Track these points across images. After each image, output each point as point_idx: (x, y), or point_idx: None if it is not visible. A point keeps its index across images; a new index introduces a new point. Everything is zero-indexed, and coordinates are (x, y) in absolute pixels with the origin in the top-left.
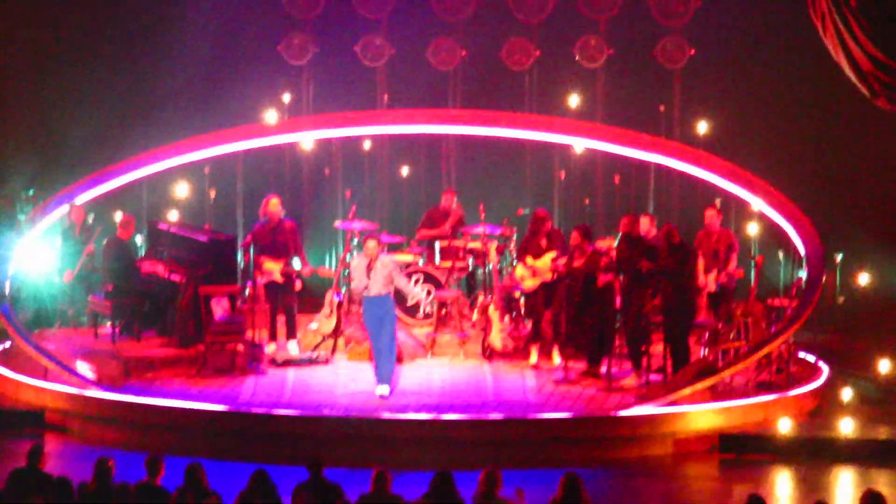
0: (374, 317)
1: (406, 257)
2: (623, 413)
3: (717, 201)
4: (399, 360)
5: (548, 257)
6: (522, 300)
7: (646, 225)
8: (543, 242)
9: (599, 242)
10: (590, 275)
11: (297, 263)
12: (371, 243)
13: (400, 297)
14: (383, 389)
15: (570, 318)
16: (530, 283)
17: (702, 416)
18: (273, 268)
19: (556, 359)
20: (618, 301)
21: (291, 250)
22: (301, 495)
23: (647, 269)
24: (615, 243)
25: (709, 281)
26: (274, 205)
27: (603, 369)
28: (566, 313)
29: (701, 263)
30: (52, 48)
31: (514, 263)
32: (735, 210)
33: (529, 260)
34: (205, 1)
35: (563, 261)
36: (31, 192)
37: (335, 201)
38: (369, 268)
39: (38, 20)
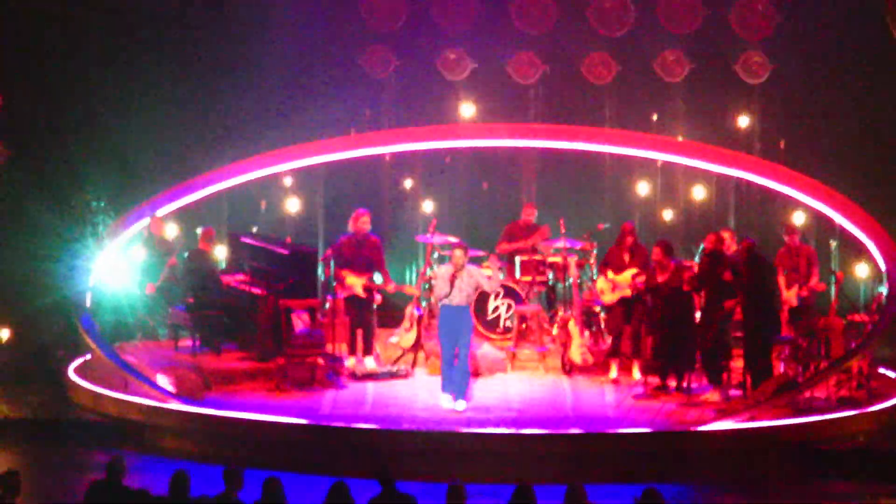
0: (451, 327)
1: (486, 272)
2: (703, 428)
3: (793, 218)
4: (475, 374)
5: (629, 273)
6: (602, 315)
7: (726, 240)
8: (626, 257)
9: (684, 262)
10: (672, 291)
11: (378, 279)
12: (458, 252)
13: (480, 310)
14: (460, 405)
15: (652, 333)
16: (609, 298)
17: (782, 430)
18: (355, 282)
19: (637, 374)
20: (697, 317)
21: (374, 265)
22: None
23: (728, 280)
24: (696, 258)
25: (790, 296)
26: (364, 221)
27: (675, 384)
28: (647, 329)
29: (782, 279)
30: (139, 64)
31: (595, 278)
32: (815, 225)
33: (610, 274)
34: (286, 16)
35: (642, 278)
36: (101, 204)
37: (415, 215)
38: (454, 277)
39: (123, 35)
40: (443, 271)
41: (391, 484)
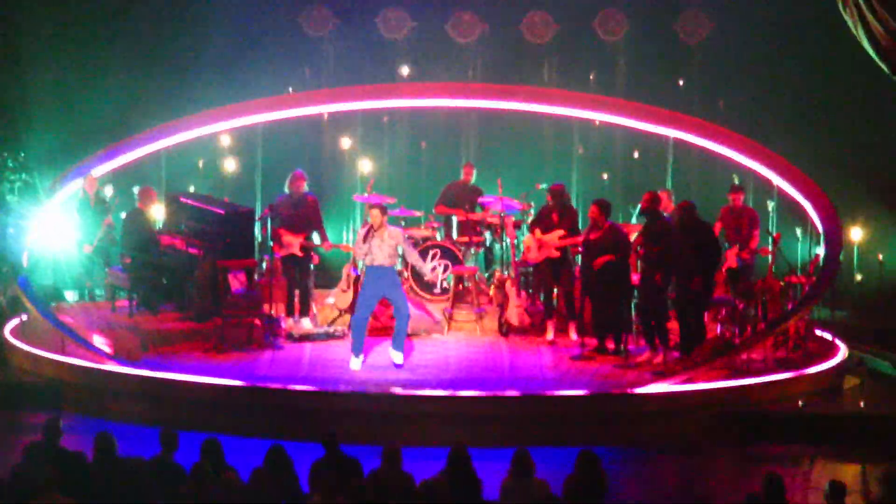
0: (373, 288)
1: (423, 232)
2: (640, 390)
3: (735, 178)
4: (412, 334)
5: (556, 234)
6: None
7: (663, 199)
8: (555, 217)
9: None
10: (604, 250)
11: (316, 238)
12: (375, 211)
13: (417, 273)
14: (398, 357)
15: (585, 294)
16: (535, 255)
17: (718, 393)
18: (293, 241)
19: (573, 335)
20: (634, 278)
21: (312, 225)
22: (319, 472)
23: (660, 254)
24: (633, 220)
25: (730, 256)
26: (300, 183)
27: (613, 345)
28: (581, 289)
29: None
30: (76, 21)
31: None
32: (753, 186)
33: (538, 233)
34: None
35: (580, 239)
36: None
37: (354, 175)
38: (368, 235)
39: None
40: (361, 231)
41: (336, 447)
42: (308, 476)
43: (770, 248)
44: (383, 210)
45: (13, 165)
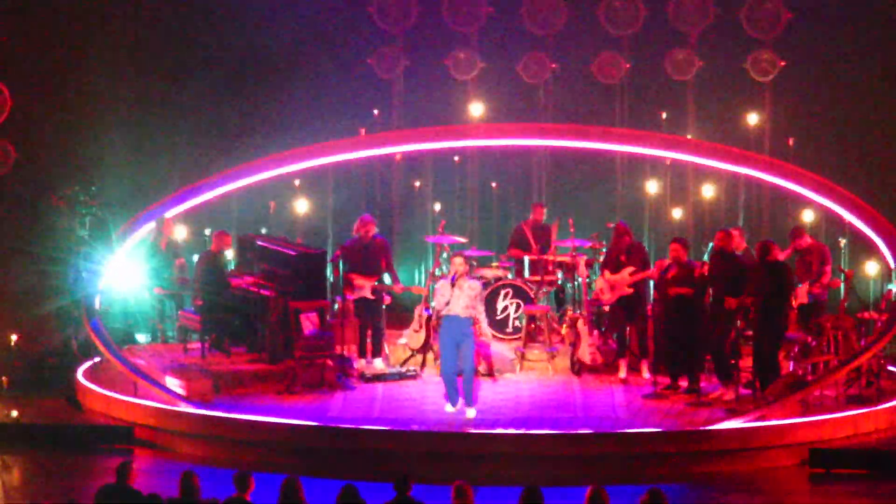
0: (450, 337)
1: (495, 271)
2: (712, 427)
3: (802, 217)
4: (489, 374)
5: (626, 271)
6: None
7: (735, 238)
8: (623, 257)
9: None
10: (679, 283)
11: (387, 280)
12: (458, 259)
13: (490, 310)
14: (471, 412)
15: (661, 332)
16: (608, 297)
17: (792, 430)
18: (364, 285)
19: (646, 373)
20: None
21: (382, 267)
22: None
23: (743, 301)
24: (705, 257)
25: (801, 293)
26: (369, 227)
27: (686, 383)
28: (655, 327)
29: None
30: (149, 65)
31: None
32: (826, 223)
33: (608, 274)
34: (299, 17)
35: (652, 271)
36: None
37: (425, 215)
38: (453, 286)
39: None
40: (443, 281)
41: (406, 490)
42: None
43: (842, 282)
44: (466, 258)
45: (83, 199)
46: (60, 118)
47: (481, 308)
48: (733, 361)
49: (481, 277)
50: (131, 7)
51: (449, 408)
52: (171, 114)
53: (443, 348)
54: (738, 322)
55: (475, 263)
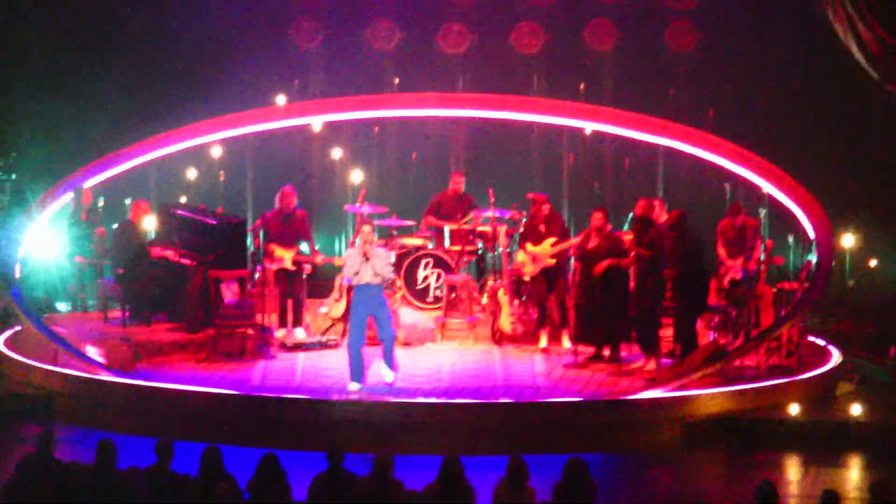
0: (363, 306)
1: (415, 241)
2: (632, 397)
3: (727, 187)
4: (404, 343)
5: (547, 243)
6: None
7: (656, 208)
8: (542, 228)
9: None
10: (603, 257)
11: (305, 248)
12: (366, 228)
13: (410, 280)
14: (389, 375)
15: (581, 301)
16: (531, 269)
17: (712, 400)
18: (284, 255)
19: (566, 343)
20: (630, 285)
21: (302, 238)
22: (320, 486)
23: (652, 261)
24: (625, 227)
25: (734, 268)
26: (290, 198)
27: (608, 353)
28: (577, 296)
29: (723, 250)
30: (67, 36)
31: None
32: (744, 194)
33: (529, 246)
34: None
35: (574, 240)
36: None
37: (345, 185)
38: (364, 253)
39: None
40: (352, 251)
41: (339, 461)
42: (308, 490)
43: (763, 255)
44: (373, 226)
45: (2, 165)
46: None
47: (387, 269)
48: (655, 332)
49: (402, 247)
50: None
51: (352, 386)
52: (89, 83)
53: (352, 320)
54: (663, 293)
55: (395, 233)
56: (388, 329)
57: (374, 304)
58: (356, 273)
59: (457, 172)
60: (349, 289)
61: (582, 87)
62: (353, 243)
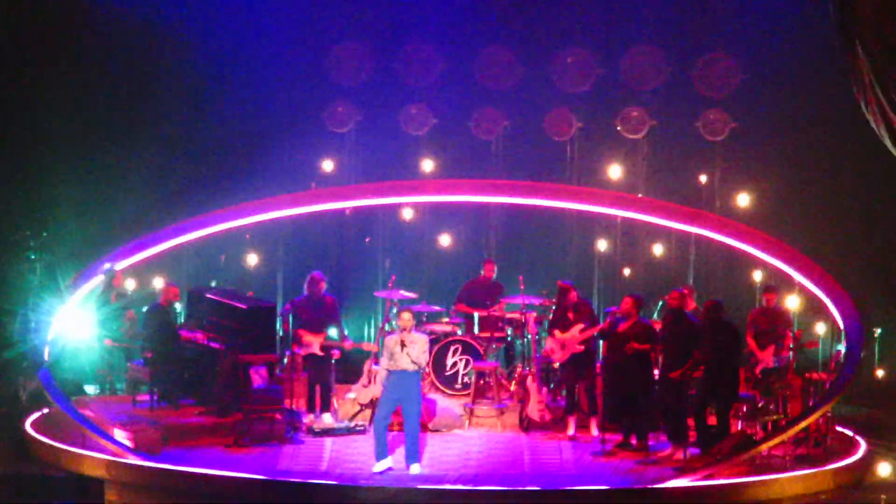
0: (394, 391)
1: (444, 327)
2: (660, 486)
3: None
4: (432, 430)
5: (576, 329)
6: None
7: (687, 297)
8: (571, 315)
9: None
10: (631, 343)
11: (334, 334)
12: (406, 315)
13: (438, 366)
14: (414, 468)
15: (609, 387)
16: (560, 356)
17: (739, 488)
18: (313, 341)
19: (594, 430)
20: (656, 373)
21: (331, 324)
22: None
23: (697, 358)
24: (655, 316)
25: (766, 357)
26: (319, 285)
27: (635, 441)
28: (605, 384)
29: (751, 341)
30: (100, 118)
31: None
32: (776, 284)
33: (558, 333)
34: (249, 71)
35: (602, 325)
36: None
37: (375, 270)
38: (402, 340)
39: (86, 95)
40: (391, 337)
41: None
42: None
43: (792, 344)
44: (413, 313)
45: (34, 244)
46: (10, 162)
47: (423, 356)
48: (683, 420)
49: (431, 333)
50: (84, 55)
51: (377, 466)
52: (123, 164)
53: (382, 399)
54: (688, 381)
55: (424, 319)
56: (414, 423)
57: (406, 391)
58: (393, 358)
59: (488, 261)
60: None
61: (614, 174)
62: (382, 328)
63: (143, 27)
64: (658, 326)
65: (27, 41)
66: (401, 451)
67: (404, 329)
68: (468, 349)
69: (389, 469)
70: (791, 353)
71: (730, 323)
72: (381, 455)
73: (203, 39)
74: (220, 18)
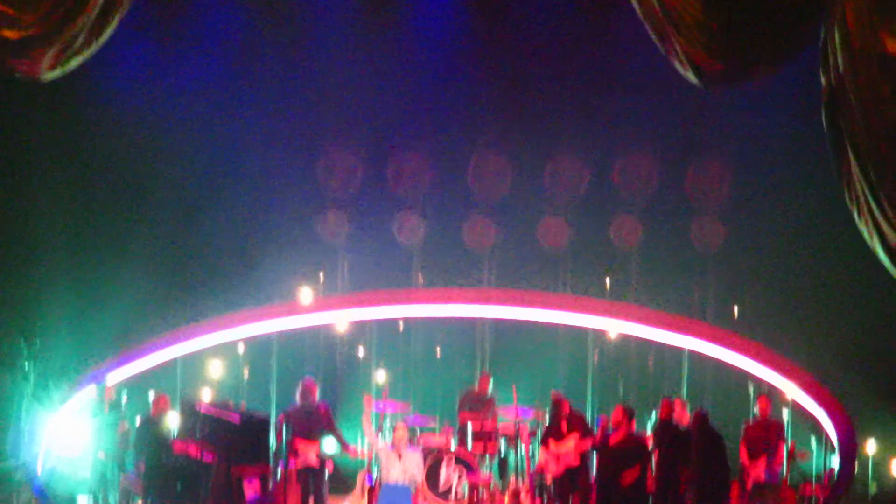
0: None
1: (439, 440)
2: None
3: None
4: None
5: (570, 442)
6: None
7: (678, 409)
8: (564, 426)
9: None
10: (622, 453)
11: (331, 445)
12: (400, 428)
13: (432, 478)
14: None
15: (602, 499)
16: (554, 468)
17: None
18: (308, 450)
19: None
20: (649, 484)
21: (326, 433)
22: None
23: (685, 477)
24: (647, 427)
25: (758, 469)
26: (311, 393)
27: None
28: (597, 496)
29: (744, 452)
30: (90, 229)
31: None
32: (768, 395)
33: (552, 445)
34: (239, 175)
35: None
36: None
37: (368, 382)
38: (399, 454)
39: (76, 199)
40: (385, 448)
41: None
42: None
43: (786, 457)
44: (406, 427)
45: (26, 353)
46: (3, 272)
47: (418, 472)
48: None
49: (425, 446)
50: (77, 167)
51: None
52: (115, 274)
53: None
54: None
55: (417, 431)
56: None
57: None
58: (386, 470)
59: (484, 376)
60: (371, 489)
61: (607, 283)
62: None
63: (136, 137)
64: (649, 438)
65: (21, 154)
66: None
67: (400, 441)
68: (461, 461)
69: None
70: (784, 466)
71: (716, 432)
72: None
73: (195, 149)
74: (213, 128)
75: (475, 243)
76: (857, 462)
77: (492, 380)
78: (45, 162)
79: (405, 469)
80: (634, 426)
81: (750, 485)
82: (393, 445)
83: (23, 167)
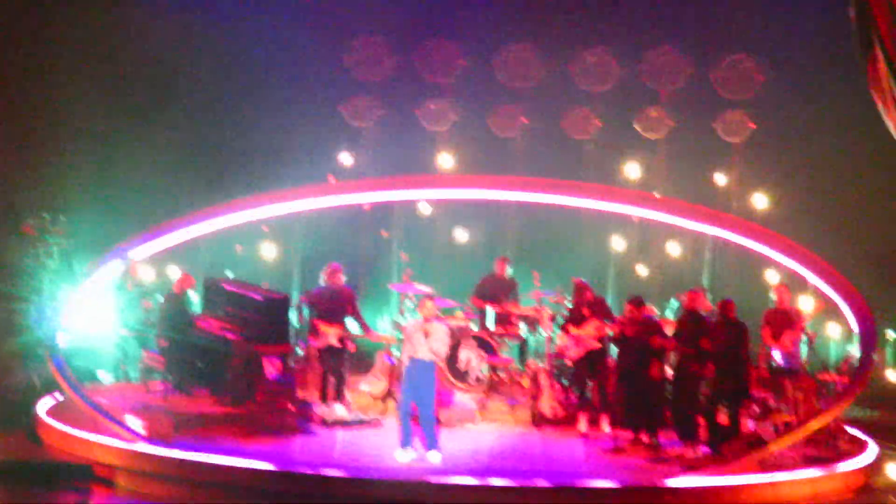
0: (412, 379)
1: (459, 322)
2: (670, 483)
3: (766, 276)
4: (445, 424)
5: (591, 326)
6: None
7: (701, 296)
8: (586, 312)
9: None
10: (641, 345)
11: (354, 327)
12: (429, 304)
13: (452, 360)
14: (434, 456)
15: (621, 386)
16: (574, 352)
17: (749, 488)
18: (329, 332)
19: (606, 427)
20: (667, 371)
21: (349, 315)
22: None
23: (706, 349)
24: (666, 313)
25: (782, 345)
26: (338, 276)
27: (646, 438)
28: (617, 382)
29: (767, 333)
30: (120, 111)
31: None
32: (789, 285)
33: (573, 329)
34: (271, 66)
35: (611, 331)
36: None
37: (391, 264)
38: (426, 330)
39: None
40: (413, 325)
41: None
42: None
43: (806, 343)
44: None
45: (53, 228)
46: (31, 150)
47: (445, 350)
48: (694, 418)
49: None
50: (109, 51)
51: (399, 455)
52: (142, 155)
53: (403, 389)
54: (700, 380)
55: (440, 314)
56: (429, 413)
57: (422, 381)
58: (413, 346)
59: (501, 259)
60: (391, 368)
61: (633, 173)
62: (397, 322)
63: (166, 27)
64: (671, 325)
65: (55, 35)
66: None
67: (427, 318)
68: (482, 344)
69: (413, 459)
70: (804, 353)
71: (739, 320)
72: (405, 442)
73: (226, 37)
74: (242, 13)
75: (501, 131)
76: (876, 350)
77: (509, 265)
78: (77, 52)
79: (431, 346)
80: (647, 312)
81: (764, 368)
82: (424, 320)
83: (58, 49)
